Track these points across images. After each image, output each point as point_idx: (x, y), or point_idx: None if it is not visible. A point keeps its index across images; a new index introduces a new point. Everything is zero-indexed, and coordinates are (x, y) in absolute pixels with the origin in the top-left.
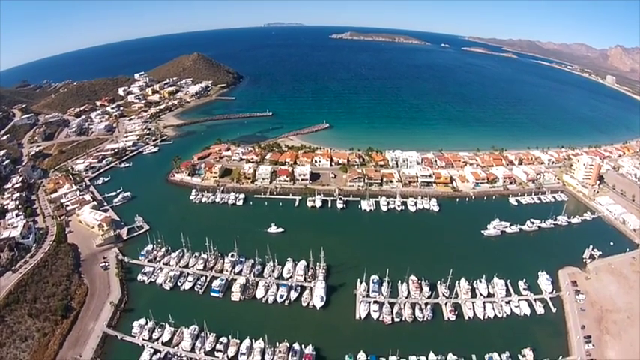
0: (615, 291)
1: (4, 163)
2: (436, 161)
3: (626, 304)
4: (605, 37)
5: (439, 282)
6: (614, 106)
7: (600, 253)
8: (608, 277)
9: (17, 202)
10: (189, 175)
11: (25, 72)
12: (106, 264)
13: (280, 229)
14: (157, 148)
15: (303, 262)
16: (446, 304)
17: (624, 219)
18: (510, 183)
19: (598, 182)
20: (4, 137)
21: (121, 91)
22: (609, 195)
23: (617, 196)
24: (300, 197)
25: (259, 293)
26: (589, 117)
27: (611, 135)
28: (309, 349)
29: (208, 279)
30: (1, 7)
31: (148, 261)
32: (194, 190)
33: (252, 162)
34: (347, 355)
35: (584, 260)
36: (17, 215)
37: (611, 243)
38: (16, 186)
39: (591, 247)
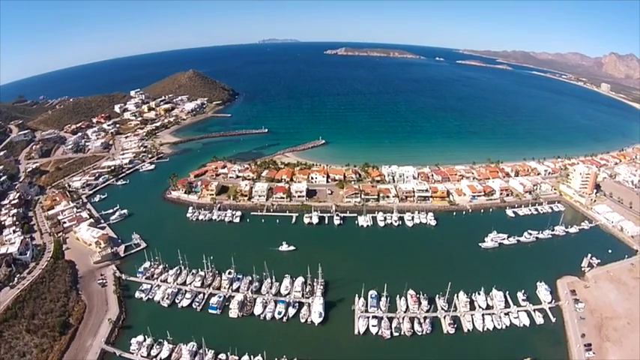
0: (615, 298)
1: (1, 179)
2: (432, 175)
3: (626, 310)
4: (599, 44)
5: (437, 295)
6: (610, 113)
7: (599, 261)
8: (608, 285)
9: (14, 219)
10: (185, 192)
11: (22, 88)
12: (104, 281)
13: (292, 247)
14: (153, 166)
15: (300, 279)
16: (445, 317)
17: (622, 226)
18: (507, 195)
19: (595, 191)
20: (1, 153)
21: (117, 108)
22: (606, 203)
23: (615, 203)
24: (297, 214)
25: (257, 310)
26: (585, 126)
27: (607, 143)
28: None
29: (206, 296)
30: None
31: (146, 278)
32: (191, 208)
33: (249, 179)
34: None
35: (583, 269)
36: (14, 231)
37: (610, 251)
38: (13, 202)
39: (590, 255)
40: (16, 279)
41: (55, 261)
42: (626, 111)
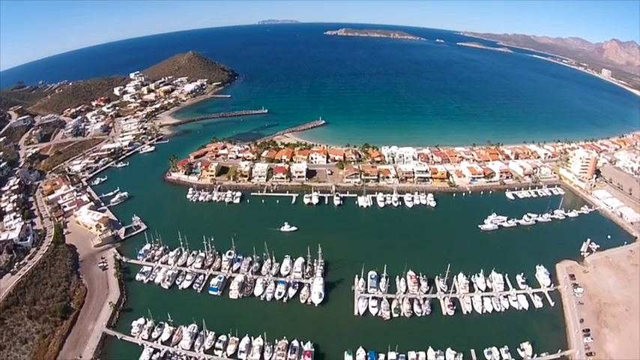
0: (613, 284)
1: (1, 165)
2: (432, 156)
3: (625, 297)
4: (600, 31)
5: (437, 277)
6: (611, 99)
7: (598, 246)
8: (606, 271)
9: (15, 204)
10: (185, 173)
11: (21, 73)
12: (104, 264)
13: (293, 228)
14: (153, 148)
15: (300, 259)
16: (444, 299)
17: (621, 212)
18: (507, 177)
19: (595, 176)
20: (1, 139)
21: (116, 91)
22: (606, 188)
23: (614, 189)
24: (297, 194)
25: (257, 291)
26: (585, 111)
27: (607, 128)
28: (308, 346)
29: (206, 277)
30: None
31: (146, 260)
32: (191, 189)
33: (249, 160)
34: (346, 352)
35: (582, 254)
36: (15, 217)
37: (609, 236)
38: (13, 188)
39: (589, 240)
40: (16, 265)
41: (56, 245)
42: (627, 97)
